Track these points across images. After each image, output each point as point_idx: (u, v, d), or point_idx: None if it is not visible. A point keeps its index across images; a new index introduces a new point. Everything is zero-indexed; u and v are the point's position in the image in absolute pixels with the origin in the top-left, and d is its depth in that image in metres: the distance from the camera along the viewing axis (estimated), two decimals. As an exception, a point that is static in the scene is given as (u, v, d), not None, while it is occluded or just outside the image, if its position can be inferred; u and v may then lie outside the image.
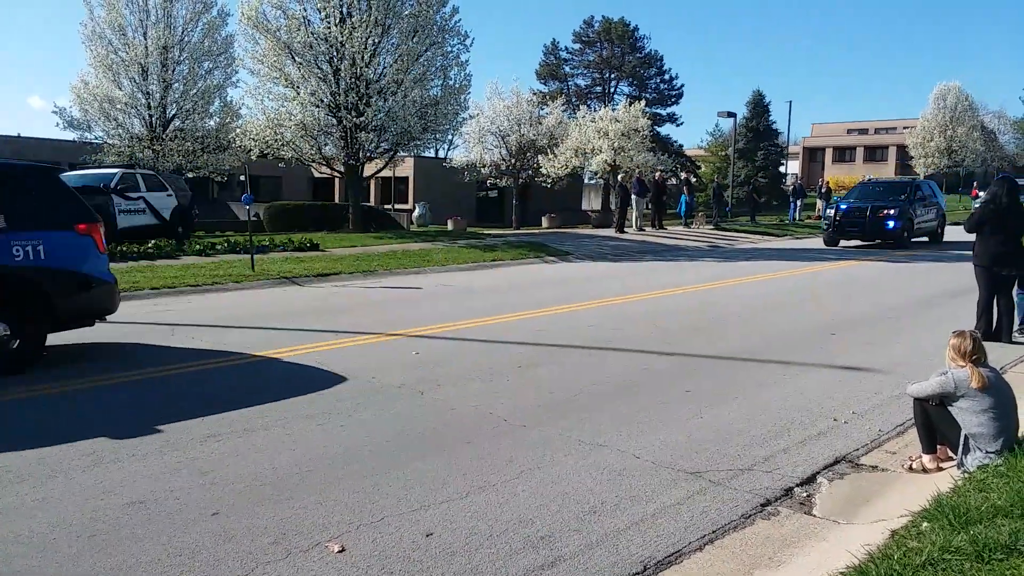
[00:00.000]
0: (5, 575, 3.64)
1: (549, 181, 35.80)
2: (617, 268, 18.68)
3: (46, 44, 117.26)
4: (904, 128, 62.94)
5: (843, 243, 24.47)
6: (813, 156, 78.16)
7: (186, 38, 26.50)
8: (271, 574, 3.68)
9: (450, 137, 35.64)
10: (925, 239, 25.46)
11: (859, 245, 24.09)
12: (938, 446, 5.20)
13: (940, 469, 5.09)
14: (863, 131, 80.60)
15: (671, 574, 3.80)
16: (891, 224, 23.33)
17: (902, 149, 62.12)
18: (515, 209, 36.53)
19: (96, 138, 26.62)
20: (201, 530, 4.11)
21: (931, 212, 25.79)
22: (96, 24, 25.63)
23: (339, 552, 3.89)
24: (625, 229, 28.12)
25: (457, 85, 25.21)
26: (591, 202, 54.84)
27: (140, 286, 13.12)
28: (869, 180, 30.73)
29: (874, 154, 74.92)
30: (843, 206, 24.59)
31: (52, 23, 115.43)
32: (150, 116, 26.40)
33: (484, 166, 35.81)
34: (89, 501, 4.45)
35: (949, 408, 5.06)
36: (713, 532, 4.21)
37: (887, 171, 68.39)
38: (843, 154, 77.11)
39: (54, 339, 8.03)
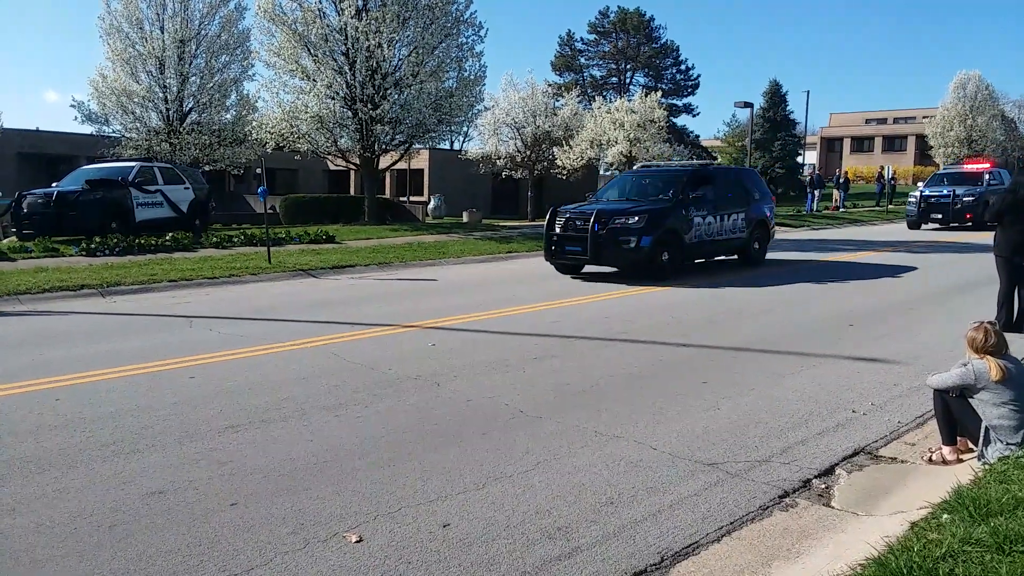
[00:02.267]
0: (27, 564, 3.68)
1: (564, 173, 35.70)
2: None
3: (60, 38, 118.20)
4: (923, 118, 62.27)
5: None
6: (831, 146, 77.49)
7: (203, 32, 26.62)
8: (289, 564, 3.70)
9: (465, 129, 35.69)
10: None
11: (880, 237, 23.86)
12: (958, 438, 5.15)
13: (960, 461, 5.05)
14: (882, 121, 79.81)
15: (688, 565, 3.79)
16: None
17: (921, 139, 61.48)
18: (530, 201, 36.47)
19: (114, 132, 26.79)
20: (220, 520, 4.14)
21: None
22: (113, 18, 25.79)
23: (357, 542, 3.91)
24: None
25: (472, 77, 25.19)
26: (607, 194, 54.61)
27: (158, 278, 13.22)
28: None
29: (893, 144, 74.18)
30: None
31: (66, 17, 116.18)
32: (167, 110, 26.55)
33: (499, 158, 35.77)
34: (109, 491, 4.49)
35: (969, 400, 5.02)
36: (731, 523, 4.20)
37: (906, 161, 67.74)
38: (861, 144, 76.38)
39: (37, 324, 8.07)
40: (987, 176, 27.86)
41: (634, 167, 20.56)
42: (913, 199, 27.95)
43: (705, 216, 14.79)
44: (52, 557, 3.75)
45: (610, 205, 14.83)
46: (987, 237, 11.33)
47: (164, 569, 3.64)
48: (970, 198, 26.25)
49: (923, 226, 27.07)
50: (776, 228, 26.39)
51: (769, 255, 17.10)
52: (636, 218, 13.72)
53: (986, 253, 11.32)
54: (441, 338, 8.87)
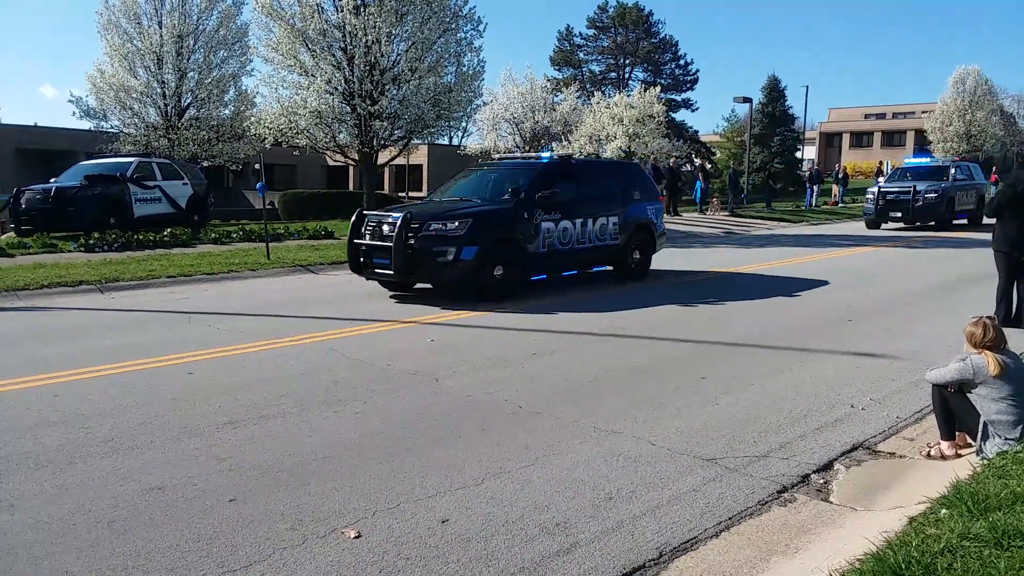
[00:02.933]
0: (26, 560, 3.68)
1: (564, 168, 35.59)
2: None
3: (57, 32, 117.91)
4: (922, 113, 62.19)
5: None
6: (830, 141, 77.44)
7: (201, 27, 26.57)
8: (288, 560, 3.70)
9: (464, 124, 35.56)
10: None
11: (876, 232, 23.84)
12: (957, 433, 5.16)
13: (959, 456, 5.05)
14: (881, 116, 79.73)
15: (687, 560, 3.79)
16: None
17: (920, 134, 61.42)
18: (529, 196, 36.37)
19: (112, 127, 26.76)
20: (219, 516, 4.14)
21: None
22: (111, 13, 25.74)
23: (355, 538, 3.91)
24: (640, 216, 27.93)
25: (470, 72, 25.12)
26: (606, 189, 54.58)
27: (156, 274, 13.21)
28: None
29: (892, 139, 74.11)
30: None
31: (62, 11, 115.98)
32: (165, 105, 26.51)
33: (498, 153, 35.71)
34: (108, 488, 4.49)
35: (968, 395, 5.02)
36: (729, 519, 4.20)
37: (905, 156, 67.70)
38: (860, 139, 76.34)
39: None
40: (953, 170, 25.44)
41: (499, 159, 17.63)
42: (871, 195, 25.33)
43: (560, 220, 11.82)
44: (51, 553, 3.74)
45: (429, 208, 11.97)
46: (964, 235, 11.29)
47: (163, 565, 3.64)
48: (933, 195, 23.84)
49: (883, 225, 24.99)
50: (777, 223, 24.26)
51: (768, 248, 17.00)
52: (456, 224, 10.69)
53: (985, 248, 11.31)
54: (440, 333, 8.86)
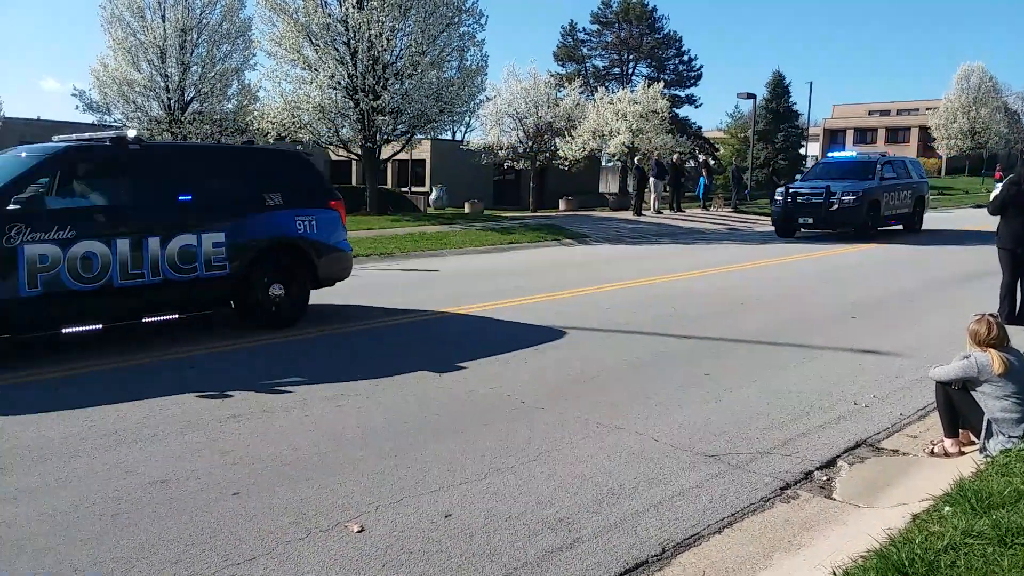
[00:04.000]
0: (30, 552, 3.69)
1: (566, 164, 35.63)
2: (635, 251, 18.59)
3: (58, 26, 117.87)
4: (927, 109, 62.12)
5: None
6: (834, 138, 77.27)
7: (204, 20, 26.56)
8: (291, 553, 3.71)
9: (467, 119, 35.63)
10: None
11: (880, 229, 23.46)
12: (960, 430, 5.15)
13: (962, 453, 5.05)
14: (885, 112, 79.64)
15: (690, 556, 3.79)
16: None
17: (924, 130, 61.39)
18: (532, 192, 36.41)
19: (115, 121, 26.75)
20: (222, 509, 4.15)
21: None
22: (115, 7, 25.74)
23: (358, 532, 3.92)
24: (643, 212, 27.98)
25: (473, 66, 25.11)
26: (608, 185, 54.54)
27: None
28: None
29: (896, 135, 74.03)
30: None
31: (63, 3, 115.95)
32: (169, 99, 26.52)
33: (501, 148, 35.70)
34: (112, 481, 4.50)
35: (972, 392, 5.01)
36: (732, 515, 4.20)
37: (909, 153, 67.32)
38: (864, 136, 76.22)
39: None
40: (880, 167, 20.99)
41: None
42: (779, 196, 21.18)
43: (72, 243, 7.25)
44: (54, 546, 3.75)
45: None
46: (969, 230, 11.20)
47: (166, 558, 3.64)
48: (851, 197, 19.64)
49: (796, 233, 20.92)
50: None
51: (772, 245, 16.83)
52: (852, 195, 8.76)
53: (985, 246, 11.30)
54: (443, 328, 8.86)
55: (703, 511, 4.23)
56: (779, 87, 57.59)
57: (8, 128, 28.98)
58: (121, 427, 5.38)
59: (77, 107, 26.86)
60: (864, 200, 19.77)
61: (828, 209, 19.71)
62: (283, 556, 3.68)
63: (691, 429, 5.50)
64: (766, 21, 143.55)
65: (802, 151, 59.41)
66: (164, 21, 25.90)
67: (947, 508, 3.86)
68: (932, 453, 5.15)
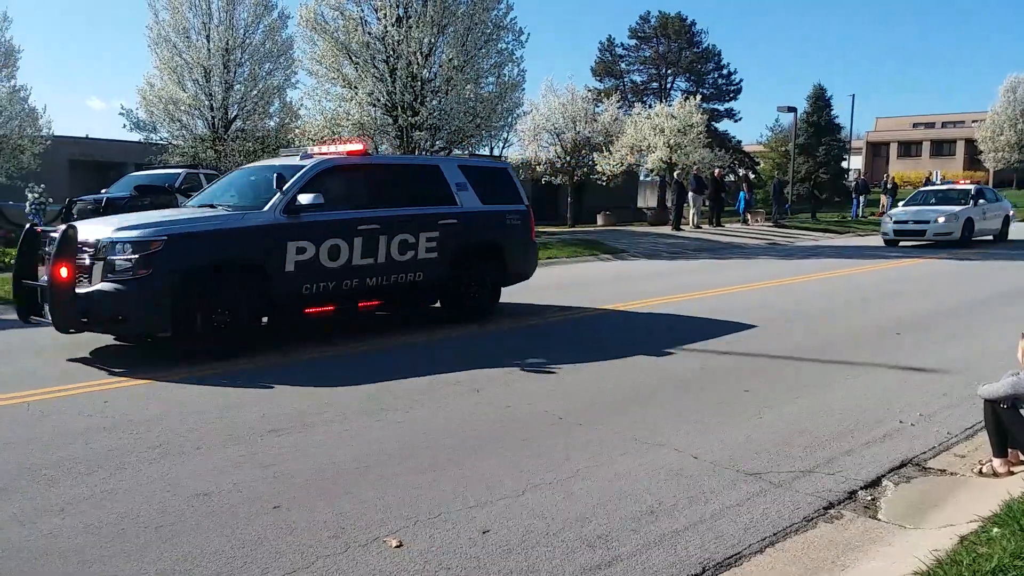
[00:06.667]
0: (76, 563, 3.76)
1: (604, 178, 35.59)
2: (673, 266, 18.49)
3: (103, 47, 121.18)
4: (973, 122, 60.95)
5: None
6: (877, 151, 76.20)
7: (247, 40, 27.04)
8: (331, 567, 3.73)
9: (504, 135, 35.70)
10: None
11: (920, 244, 23.23)
12: (1009, 450, 5.02)
13: (1011, 473, 4.92)
14: (929, 125, 78.27)
15: (730, 576, 3.74)
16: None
17: (971, 143, 60.20)
18: (570, 207, 36.41)
19: (161, 139, 27.33)
20: (263, 523, 4.19)
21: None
22: (161, 27, 26.32)
23: (397, 547, 3.93)
24: (682, 227, 27.84)
25: (511, 82, 25.22)
26: (647, 199, 54.34)
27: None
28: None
29: (941, 148, 72.75)
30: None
31: (108, 25, 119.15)
32: (212, 117, 27.01)
33: (539, 164, 35.77)
34: (156, 493, 4.57)
35: (1021, 410, 4.89)
36: (774, 535, 4.14)
37: (955, 166, 66.27)
38: (908, 149, 75.01)
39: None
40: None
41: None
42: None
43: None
44: (100, 557, 3.82)
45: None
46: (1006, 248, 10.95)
47: (209, 570, 3.69)
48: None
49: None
50: (823, 234, 23.24)
51: (813, 260, 16.55)
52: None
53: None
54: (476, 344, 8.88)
55: (744, 530, 4.17)
56: (820, 100, 57.02)
57: (57, 146, 29.72)
58: (166, 440, 5.47)
59: (124, 125, 27.32)
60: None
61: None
62: (323, 570, 3.70)
63: (732, 446, 5.44)
64: (806, 34, 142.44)
65: (844, 164, 58.70)
66: (208, 41, 26.43)
67: (995, 529, 3.77)
68: (980, 473, 5.02)
